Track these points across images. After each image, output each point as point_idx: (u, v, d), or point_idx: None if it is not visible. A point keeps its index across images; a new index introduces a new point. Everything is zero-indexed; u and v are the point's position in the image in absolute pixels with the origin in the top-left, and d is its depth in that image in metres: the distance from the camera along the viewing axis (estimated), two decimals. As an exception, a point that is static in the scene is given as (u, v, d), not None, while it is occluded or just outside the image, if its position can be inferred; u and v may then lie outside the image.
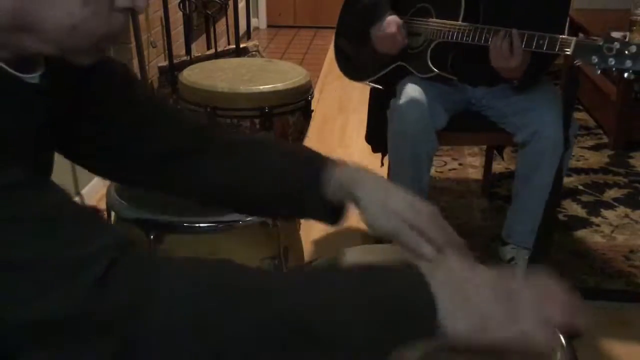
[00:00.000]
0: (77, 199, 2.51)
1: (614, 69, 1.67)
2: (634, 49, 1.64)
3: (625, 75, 1.67)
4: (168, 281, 0.61)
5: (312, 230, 2.26)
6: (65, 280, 0.57)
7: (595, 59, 1.69)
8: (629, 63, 1.65)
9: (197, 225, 1.40)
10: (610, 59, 1.67)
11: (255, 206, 0.95)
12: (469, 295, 0.64)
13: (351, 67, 2.34)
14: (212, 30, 3.34)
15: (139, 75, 2.81)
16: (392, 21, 2.07)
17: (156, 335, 0.59)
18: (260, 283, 0.64)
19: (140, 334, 0.59)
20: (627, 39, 1.69)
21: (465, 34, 1.94)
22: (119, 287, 0.58)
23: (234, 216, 1.38)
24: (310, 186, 0.86)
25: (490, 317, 0.64)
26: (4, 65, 0.65)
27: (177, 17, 3.21)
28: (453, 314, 0.62)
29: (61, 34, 0.64)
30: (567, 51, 1.75)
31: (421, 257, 0.79)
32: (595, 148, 3.23)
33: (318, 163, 0.88)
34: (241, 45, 3.27)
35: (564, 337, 0.81)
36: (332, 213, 0.88)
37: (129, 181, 1.03)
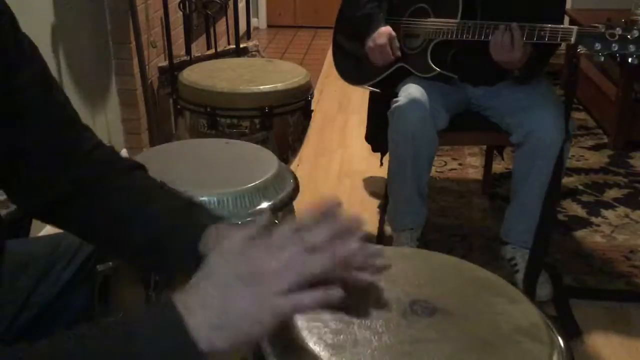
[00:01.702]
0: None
1: (617, 54, 1.67)
2: (636, 33, 1.65)
3: (630, 60, 1.67)
4: None
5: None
6: None
7: (598, 46, 1.69)
8: (632, 47, 1.66)
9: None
10: (614, 45, 1.67)
11: (127, 253, 0.95)
12: (220, 309, 0.65)
13: (351, 72, 2.35)
14: (212, 30, 3.34)
15: (139, 75, 2.81)
16: (383, 33, 2.12)
17: None
18: None
19: None
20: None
21: (465, 31, 1.95)
22: None
23: (234, 217, 1.38)
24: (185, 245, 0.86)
25: (245, 321, 0.65)
26: None
27: (177, 17, 3.21)
28: (216, 340, 0.64)
29: None
30: (570, 40, 1.75)
31: None
32: (595, 148, 3.23)
33: (199, 225, 0.87)
34: (241, 45, 3.26)
35: (561, 337, 0.81)
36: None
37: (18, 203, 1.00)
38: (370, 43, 2.14)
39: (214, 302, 0.65)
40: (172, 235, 0.88)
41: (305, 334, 0.77)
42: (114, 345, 0.63)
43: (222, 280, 0.67)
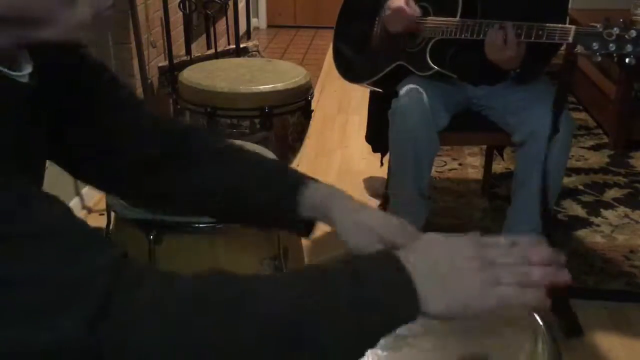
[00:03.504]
0: (77, 199, 2.51)
1: (614, 54, 1.67)
2: (633, 33, 1.65)
3: (627, 60, 1.67)
4: (161, 310, 0.60)
5: (312, 230, 2.26)
6: (56, 308, 0.55)
7: (595, 45, 1.69)
8: (629, 47, 1.66)
9: (196, 225, 1.39)
10: (611, 45, 1.67)
11: (232, 215, 0.97)
12: (445, 275, 0.66)
13: (350, 69, 2.34)
14: (212, 30, 3.34)
15: (139, 75, 2.81)
16: None
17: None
18: (250, 293, 0.64)
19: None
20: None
21: (463, 30, 1.94)
22: (112, 317, 0.57)
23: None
24: (286, 202, 0.89)
25: (467, 293, 0.66)
26: None
27: (177, 17, 3.21)
28: (432, 298, 0.65)
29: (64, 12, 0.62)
30: (567, 39, 1.75)
31: None
32: (595, 148, 3.23)
33: (293, 180, 0.91)
34: (241, 45, 3.26)
35: (548, 333, 0.81)
36: (304, 227, 0.92)
37: (112, 189, 1.04)
38: (386, 11, 2.08)
39: (443, 268, 0.66)
40: (276, 197, 0.90)
41: None
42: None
43: (454, 254, 0.68)
